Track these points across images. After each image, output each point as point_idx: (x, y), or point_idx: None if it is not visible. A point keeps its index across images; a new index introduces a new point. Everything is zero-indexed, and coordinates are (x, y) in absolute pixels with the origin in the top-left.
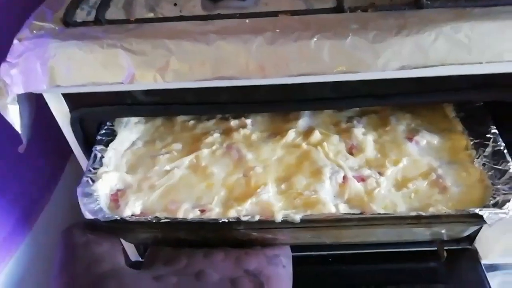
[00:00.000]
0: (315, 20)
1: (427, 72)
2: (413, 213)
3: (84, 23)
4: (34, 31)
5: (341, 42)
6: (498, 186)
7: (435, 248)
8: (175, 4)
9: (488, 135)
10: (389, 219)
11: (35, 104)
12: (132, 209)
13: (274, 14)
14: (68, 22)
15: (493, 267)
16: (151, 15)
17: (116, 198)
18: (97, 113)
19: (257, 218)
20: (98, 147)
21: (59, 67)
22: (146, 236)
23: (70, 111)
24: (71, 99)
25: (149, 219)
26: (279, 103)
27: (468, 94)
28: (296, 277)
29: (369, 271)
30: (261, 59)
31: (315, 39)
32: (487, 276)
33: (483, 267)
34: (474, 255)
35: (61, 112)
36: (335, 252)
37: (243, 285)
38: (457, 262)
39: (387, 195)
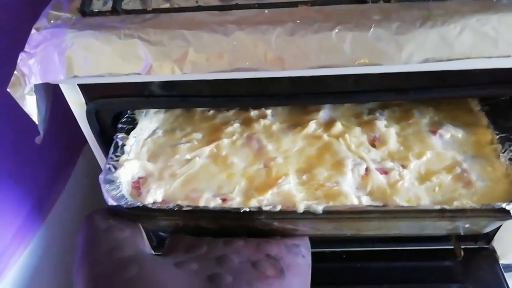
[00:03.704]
0: (336, 11)
1: (452, 66)
2: (438, 207)
3: (101, 13)
4: (52, 21)
5: (363, 33)
6: None
7: (452, 247)
8: None
9: None
10: (412, 212)
11: (51, 95)
12: (153, 196)
13: (294, 4)
14: (85, 11)
15: (511, 267)
16: (167, 5)
17: (138, 185)
18: (113, 105)
19: (278, 208)
20: (120, 135)
21: (76, 57)
22: (167, 224)
23: (86, 102)
24: (87, 90)
25: (171, 207)
26: (297, 97)
27: (494, 89)
28: None
29: (384, 268)
30: (281, 50)
31: (336, 31)
32: (505, 276)
33: (501, 267)
34: (491, 255)
35: (77, 103)
36: (349, 249)
37: (265, 268)
38: (474, 261)
39: (411, 188)
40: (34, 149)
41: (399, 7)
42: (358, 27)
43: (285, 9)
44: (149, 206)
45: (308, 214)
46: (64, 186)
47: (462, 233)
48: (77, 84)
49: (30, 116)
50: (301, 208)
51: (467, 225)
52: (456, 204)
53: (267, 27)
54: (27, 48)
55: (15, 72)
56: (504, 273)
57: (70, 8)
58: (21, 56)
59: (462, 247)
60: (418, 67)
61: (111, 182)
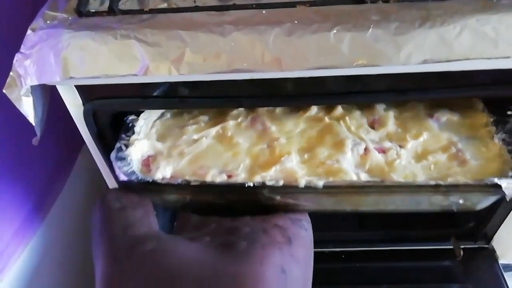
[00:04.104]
0: (334, 11)
1: (451, 67)
2: (432, 182)
3: (98, 13)
4: (48, 21)
5: (361, 34)
6: None
7: (451, 247)
8: None
9: (508, 112)
10: (408, 187)
11: (49, 96)
12: (163, 173)
13: (292, 4)
14: (81, 12)
15: (510, 267)
16: (164, 5)
17: (148, 163)
18: (110, 106)
19: (281, 183)
20: (130, 117)
21: (72, 58)
22: (175, 199)
23: (83, 103)
24: (84, 91)
25: (179, 182)
26: (295, 98)
27: (494, 89)
28: None
29: (383, 268)
30: (278, 51)
31: (334, 31)
32: (504, 276)
33: (501, 267)
34: (491, 255)
35: (74, 104)
36: (348, 249)
37: (275, 235)
38: (474, 261)
39: (407, 166)
40: (34, 149)
41: (398, 7)
42: (357, 27)
43: (283, 9)
44: (159, 181)
45: (309, 189)
46: (63, 185)
47: (455, 210)
48: (74, 85)
49: (27, 118)
50: (302, 183)
51: (460, 201)
52: (450, 180)
53: (265, 27)
54: (22, 49)
55: (10, 73)
56: (503, 273)
57: (66, 8)
58: (17, 57)
59: (461, 247)
60: (417, 68)
61: (122, 159)
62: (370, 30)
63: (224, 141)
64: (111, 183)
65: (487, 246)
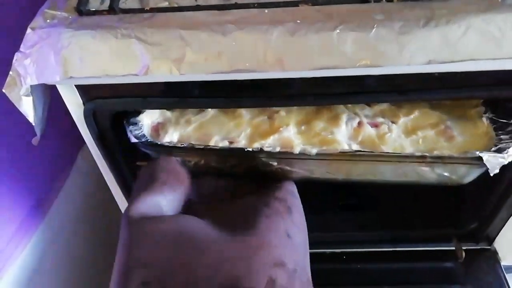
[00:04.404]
0: (337, 10)
1: (455, 67)
2: (418, 153)
3: (98, 12)
4: (48, 20)
5: (365, 34)
6: (501, 136)
7: (453, 248)
8: None
9: None
10: (395, 157)
11: (49, 95)
12: (170, 137)
13: (295, 3)
14: (81, 10)
15: None
16: (165, 3)
17: (157, 129)
18: (111, 105)
19: (277, 149)
20: None
21: (72, 57)
22: (180, 162)
23: (83, 103)
24: (84, 90)
25: (185, 145)
26: (296, 97)
27: (499, 90)
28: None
29: (385, 269)
30: (281, 51)
31: (337, 31)
32: (506, 277)
33: (503, 269)
34: (493, 256)
35: (74, 104)
36: (349, 250)
37: (276, 206)
38: (476, 262)
39: (397, 140)
40: (33, 148)
41: (402, 6)
42: (360, 27)
43: (286, 8)
44: (166, 144)
45: (303, 155)
46: (63, 183)
47: (442, 183)
48: (74, 85)
49: (26, 117)
50: (297, 150)
51: (446, 173)
52: (435, 153)
53: (267, 27)
54: (22, 48)
55: (10, 72)
56: (505, 274)
57: (67, 7)
58: (17, 56)
59: (463, 248)
60: (421, 69)
61: (134, 124)
62: (374, 29)
63: (228, 112)
64: (111, 182)
65: (489, 247)
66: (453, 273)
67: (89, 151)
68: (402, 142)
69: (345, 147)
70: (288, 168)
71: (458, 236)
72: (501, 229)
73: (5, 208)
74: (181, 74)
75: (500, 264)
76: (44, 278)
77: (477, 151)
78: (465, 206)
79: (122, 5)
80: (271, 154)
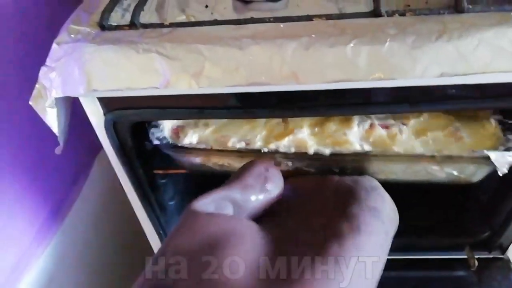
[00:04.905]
0: (351, 25)
1: (468, 80)
2: (428, 153)
3: (119, 27)
4: (72, 35)
5: (378, 47)
6: (509, 137)
7: (465, 257)
8: (206, 6)
9: None
10: (406, 157)
11: (71, 107)
12: (190, 139)
13: (309, 18)
14: (104, 25)
15: None
16: (183, 17)
17: (177, 131)
18: (130, 116)
19: (292, 150)
20: None
21: (95, 71)
22: (199, 163)
23: (104, 114)
24: (105, 102)
25: (204, 146)
26: (310, 109)
27: (510, 102)
28: None
29: (396, 278)
30: (296, 65)
31: (351, 45)
32: None
33: None
34: (506, 265)
35: (95, 115)
36: None
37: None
38: (488, 271)
39: (408, 141)
40: (51, 156)
41: (414, 20)
42: (374, 41)
43: (300, 23)
44: (186, 145)
45: (317, 155)
46: (80, 191)
47: (452, 183)
48: (96, 97)
49: (51, 128)
50: (311, 151)
51: (455, 172)
52: (444, 152)
53: (282, 41)
54: (48, 62)
55: (36, 85)
56: None
57: (89, 22)
58: (43, 69)
59: (476, 257)
60: (434, 81)
61: (155, 127)
62: (387, 43)
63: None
64: (128, 189)
65: (502, 256)
66: (465, 282)
67: (106, 157)
68: (413, 143)
69: (357, 147)
70: (302, 168)
71: (471, 245)
72: None
73: (24, 213)
74: (199, 88)
75: None
76: (63, 282)
77: (485, 150)
78: (478, 215)
79: (142, 19)
80: (286, 155)
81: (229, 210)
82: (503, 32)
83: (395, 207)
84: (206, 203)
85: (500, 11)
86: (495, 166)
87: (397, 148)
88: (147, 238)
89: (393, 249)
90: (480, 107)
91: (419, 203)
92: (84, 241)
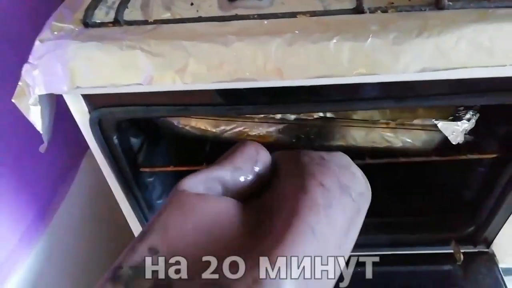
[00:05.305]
0: (334, 21)
1: (448, 75)
2: (383, 120)
3: (103, 24)
4: (55, 32)
5: (361, 44)
6: (459, 108)
7: (452, 251)
8: (192, 4)
9: None
10: (363, 122)
11: (55, 104)
12: None
13: (293, 15)
14: (87, 23)
15: (510, 271)
16: (168, 14)
17: None
18: (115, 113)
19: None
20: None
21: (79, 68)
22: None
23: (89, 112)
24: (90, 99)
25: None
26: (295, 105)
27: (492, 96)
28: None
29: (383, 273)
30: (280, 61)
31: (334, 41)
32: (504, 280)
33: (501, 271)
34: (491, 259)
35: (80, 112)
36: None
37: (316, 196)
38: (474, 265)
39: (368, 111)
40: (37, 155)
41: (396, 17)
42: (356, 37)
43: (284, 19)
44: None
45: (283, 120)
46: (67, 190)
47: (409, 150)
48: (81, 94)
49: (35, 126)
50: (278, 116)
51: (409, 140)
52: (398, 120)
53: (267, 37)
54: (31, 59)
55: (19, 83)
56: (503, 276)
57: (73, 19)
58: (26, 67)
59: (462, 251)
60: (415, 76)
61: None
62: (369, 39)
63: None
64: (115, 188)
65: (487, 250)
66: (452, 276)
67: (93, 157)
68: (371, 112)
69: (320, 113)
70: (271, 134)
71: (457, 239)
72: (498, 232)
73: (11, 214)
74: (184, 84)
75: (498, 267)
76: (50, 282)
77: (434, 119)
78: (463, 210)
79: (126, 16)
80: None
81: (217, 191)
82: (482, 28)
83: (368, 184)
84: (196, 183)
85: (480, 8)
86: (443, 134)
87: (356, 116)
88: (134, 238)
89: (382, 245)
90: (463, 103)
91: (406, 199)
92: (71, 241)
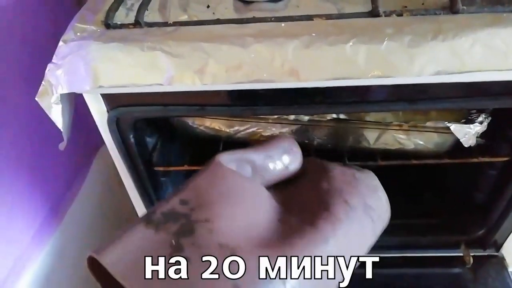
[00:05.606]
0: (350, 24)
1: (463, 78)
2: (396, 122)
3: (124, 26)
4: (78, 33)
5: (376, 46)
6: (471, 111)
7: (461, 254)
8: (208, 6)
9: None
10: (377, 124)
11: (74, 103)
12: None
13: (309, 18)
14: (109, 24)
15: None
16: (185, 17)
17: None
18: (133, 113)
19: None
20: None
21: (101, 68)
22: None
23: (107, 111)
24: (109, 99)
25: None
26: (309, 106)
27: (503, 100)
28: None
29: (393, 275)
30: (297, 62)
31: (350, 44)
32: None
33: (510, 275)
34: (500, 262)
35: (99, 111)
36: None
37: (338, 211)
38: (483, 268)
39: (380, 113)
40: (50, 154)
41: (411, 20)
42: (372, 40)
43: (301, 22)
44: None
45: (297, 121)
46: (79, 188)
47: (421, 152)
48: (100, 94)
49: (56, 124)
50: (291, 117)
51: (421, 142)
52: (411, 123)
53: (284, 40)
54: (55, 59)
55: (43, 82)
56: None
57: (95, 20)
58: (49, 66)
59: (471, 254)
60: (430, 79)
61: None
62: (385, 42)
63: None
64: (129, 186)
65: (496, 254)
66: (461, 279)
67: (104, 156)
68: (384, 114)
69: (334, 115)
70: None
71: (466, 242)
72: (508, 236)
73: (24, 211)
74: (203, 84)
75: (507, 270)
76: (61, 281)
77: (445, 121)
78: (473, 212)
79: (145, 18)
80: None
81: (247, 172)
82: (496, 32)
83: (389, 208)
84: (230, 159)
85: (493, 12)
86: (456, 137)
87: (369, 118)
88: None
89: (392, 247)
90: (476, 106)
91: (417, 201)
92: (84, 238)
